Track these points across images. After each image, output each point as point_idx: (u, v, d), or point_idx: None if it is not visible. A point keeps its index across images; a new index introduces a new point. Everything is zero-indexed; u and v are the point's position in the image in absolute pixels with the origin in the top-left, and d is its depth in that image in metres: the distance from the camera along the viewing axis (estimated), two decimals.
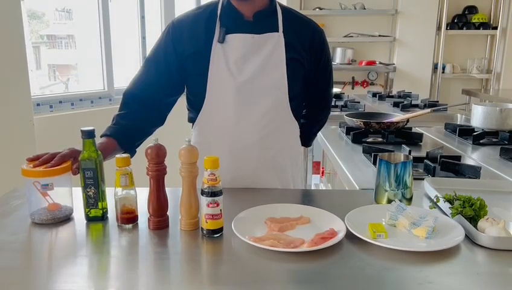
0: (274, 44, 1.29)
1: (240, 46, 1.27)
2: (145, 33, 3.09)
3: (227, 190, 1.26)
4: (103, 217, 1.09)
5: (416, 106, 2.98)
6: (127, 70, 3.11)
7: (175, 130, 3.17)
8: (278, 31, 1.30)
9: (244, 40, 1.28)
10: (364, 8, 4.64)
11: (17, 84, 2.08)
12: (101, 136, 1.28)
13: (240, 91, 1.28)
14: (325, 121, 1.60)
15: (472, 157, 1.77)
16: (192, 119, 1.41)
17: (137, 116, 1.35)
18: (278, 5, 1.34)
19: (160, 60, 1.33)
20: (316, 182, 3.09)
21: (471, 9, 4.76)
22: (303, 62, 1.34)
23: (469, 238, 0.96)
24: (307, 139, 1.54)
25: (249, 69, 1.28)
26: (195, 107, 1.36)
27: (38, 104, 2.46)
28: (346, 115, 2.15)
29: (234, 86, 1.28)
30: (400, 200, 1.12)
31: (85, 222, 1.08)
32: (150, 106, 1.36)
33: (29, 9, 2.71)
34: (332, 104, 2.84)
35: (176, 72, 1.33)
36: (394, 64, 4.77)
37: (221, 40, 1.27)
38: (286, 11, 1.35)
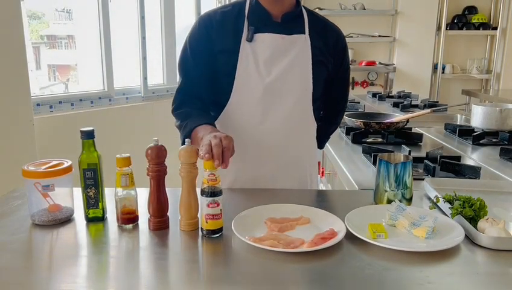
0: (301, 46, 1.30)
1: (270, 46, 1.28)
2: (145, 33, 3.08)
3: (227, 190, 1.26)
4: (103, 218, 1.09)
5: (416, 106, 2.98)
6: (127, 71, 3.11)
7: (175, 131, 3.17)
8: (304, 33, 1.31)
9: (274, 40, 1.28)
10: (364, 9, 4.65)
11: (17, 85, 2.07)
12: (194, 128, 1.21)
13: (267, 91, 1.28)
14: (340, 123, 1.61)
15: (472, 157, 1.77)
16: (212, 118, 1.38)
17: (202, 112, 1.32)
18: (303, 8, 1.35)
19: (195, 53, 1.32)
20: None
21: (471, 10, 4.77)
22: (327, 64, 1.36)
23: (469, 238, 0.96)
24: (321, 141, 1.53)
25: (277, 69, 1.28)
26: (217, 105, 1.35)
27: (38, 105, 2.46)
28: (346, 116, 2.15)
29: (262, 85, 1.28)
30: (400, 201, 1.12)
31: (85, 222, 1.08)
32: (202, 102, 1.35)
33: (29, 9, 2.71)
34: None
35: (212, 63, 1.31)
36: (394, 64, 4.77)
37: (250, 39, 1.27)
38: (311, 13, 1.36)
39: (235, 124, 1.33)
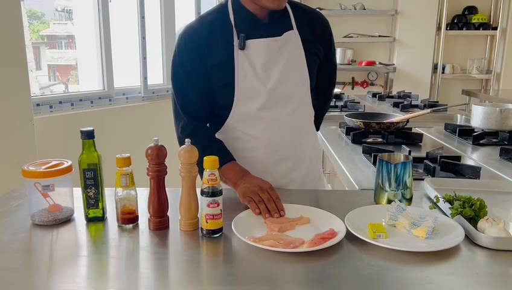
0: (293, 43, 1.29)
1: (265, 51, 1.25)
2: (145, 33, 3.08)
3: (228, 190, 1.26)
4: (103, 218, 1.09)
5: (416, 106, 2.98)
6: (127, 71, 3.11)
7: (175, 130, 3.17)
8: (292, 29, 1.29)
9: (268, 45, 1.25)
10: (364, 9, 4.65)
11: (17, 85, 2.07)
12: (224, 163, 1.22)
13: (270, 95, 1.27)
14: (330, 104, 1.61)
15: (472, 157, 1.77)
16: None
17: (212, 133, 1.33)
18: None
19: (189, 72, 1.27)
20: None
21: (471, 10, 4.77)
22: (318, 54, 1.35)
23: (469, 238, 0.96)
24: (317, 125, 1.53)
25: (276, 73, 1.27)
26: (218, 117, 1.32)
27: (38, 105, 2.46)
28: (346, 116, 2.15)
29: (265, 91, 1.26)
30: (400, 201, 1.12)
31: (85, 222, 1.08)
32: (205, 124, 1.34)
33: (29, 9, 2.71)
34: (332, 104, 2.84)
35: (207, 81, 1.27)
36: (394, 64, 4.77)
37: (242, 47, 1.23)
38: (294, 5, 1.33)
39: (240, 133, 1.31)
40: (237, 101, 1.27)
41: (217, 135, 1.35)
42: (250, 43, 1.24)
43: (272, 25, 1.28)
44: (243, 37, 1.23)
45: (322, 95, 1.51)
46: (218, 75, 1.26)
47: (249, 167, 1.26)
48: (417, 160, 1.57)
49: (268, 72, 1.26)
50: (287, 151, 1.34)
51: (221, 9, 1.28)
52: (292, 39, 1.29)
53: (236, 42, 1.24)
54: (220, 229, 0.99)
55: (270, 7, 1.20)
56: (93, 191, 1.06)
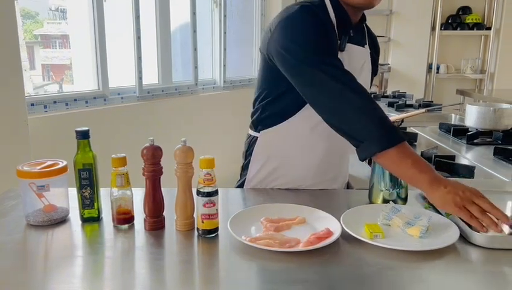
0: (368, 57, 1.30)
1: (360, 58, 1.24)
2: (140, 33, 3.07)
3: (224, 189, 1.26)
4: (98, 218, 1.09)
5: (411, 106, 3.00)
6: (122, 71, 3.10)
7: (171, 130, 3.16)
8: (367, 43, 1.31)
9: (362, 53, 1.25)
10: None
11: (11, 85, 2.06)
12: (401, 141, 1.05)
13: None
14: None
15: (466, 157, 1.78)
16: (266, 122, 1.27)
17: None
18: None
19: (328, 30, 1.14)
20: None
21: (465, 10, 4.79)
22: (375, 70, 1.39)
23: (463, 237, 0.97)
24: None
25: (360, 81, 1.20)
26: (283, 112, 1.23)
27: (32, 104, 2.44)
28: None
29: None
30: (395, 200, 1.12)
31: (81, 222, 1.07)
32: None
33: (23, 8, 2.70)
34: None
35: None
36: (389, 64, 4.79)
37: (343, 48, 1.18)
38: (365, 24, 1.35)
39: (304, 133, 1.23)
40: None
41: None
42: (350, 46, 1.21)
43: (358, 35, 1.27)
44: (345, 39, 1.19)
45: None
46: None
47: (294, 165, 1.25)
48: None
49: (357, 78, 1.21)
50: (338, 161, 1.33)
51: (320, 3, 1.19)
52: (368, 53, 1.31)
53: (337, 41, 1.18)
54: (216, 229, 0.99)
55: (362, 4, 1.18)
56: (89, 191, 1.06)
